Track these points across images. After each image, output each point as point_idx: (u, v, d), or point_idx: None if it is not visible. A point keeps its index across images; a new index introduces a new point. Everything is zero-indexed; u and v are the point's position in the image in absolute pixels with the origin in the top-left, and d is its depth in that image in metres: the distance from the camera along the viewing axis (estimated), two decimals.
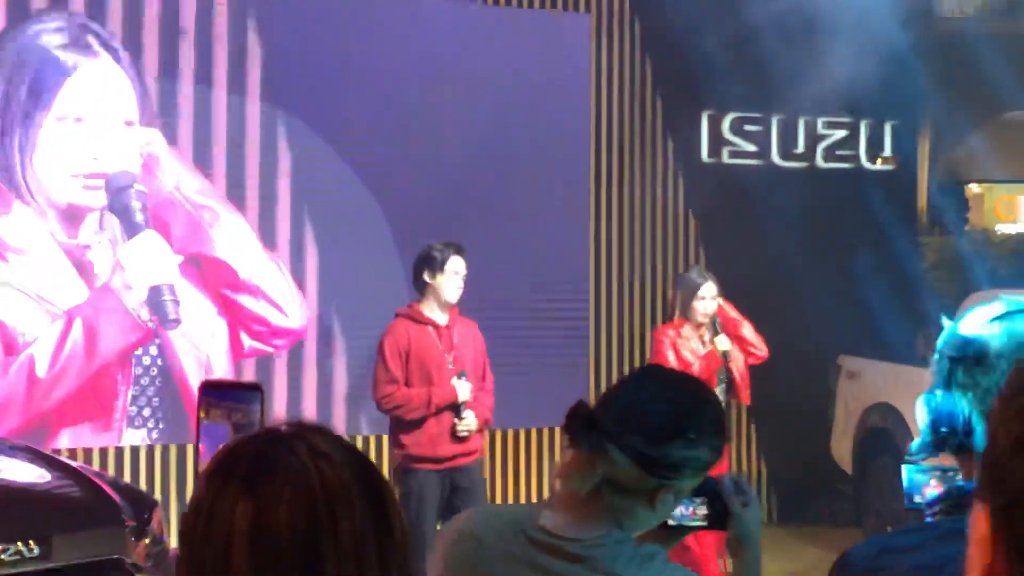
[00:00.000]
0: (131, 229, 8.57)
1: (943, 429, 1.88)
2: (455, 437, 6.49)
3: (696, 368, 6.99)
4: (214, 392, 1.90)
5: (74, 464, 6.05)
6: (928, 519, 2.02)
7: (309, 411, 8.95)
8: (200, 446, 1.90)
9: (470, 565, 2.33)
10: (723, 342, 7.09)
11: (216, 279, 8.89)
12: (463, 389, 6.48)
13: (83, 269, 8.62)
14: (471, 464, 6.58)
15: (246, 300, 8.95)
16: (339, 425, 9.12)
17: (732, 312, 7.32)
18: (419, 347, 6.52)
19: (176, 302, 8.59)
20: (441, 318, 6.60)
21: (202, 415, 1.87)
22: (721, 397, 7.13)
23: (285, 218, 9.12)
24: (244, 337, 8.98)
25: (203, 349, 8.85)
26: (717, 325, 7.16)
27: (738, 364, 7.20)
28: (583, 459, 2.24)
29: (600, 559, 2.22)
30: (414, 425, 6.49)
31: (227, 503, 1.44)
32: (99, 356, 8.58)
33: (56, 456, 6.19)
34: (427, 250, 6.62)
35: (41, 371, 8.44)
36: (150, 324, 8.66)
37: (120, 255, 8.61)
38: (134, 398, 8.70)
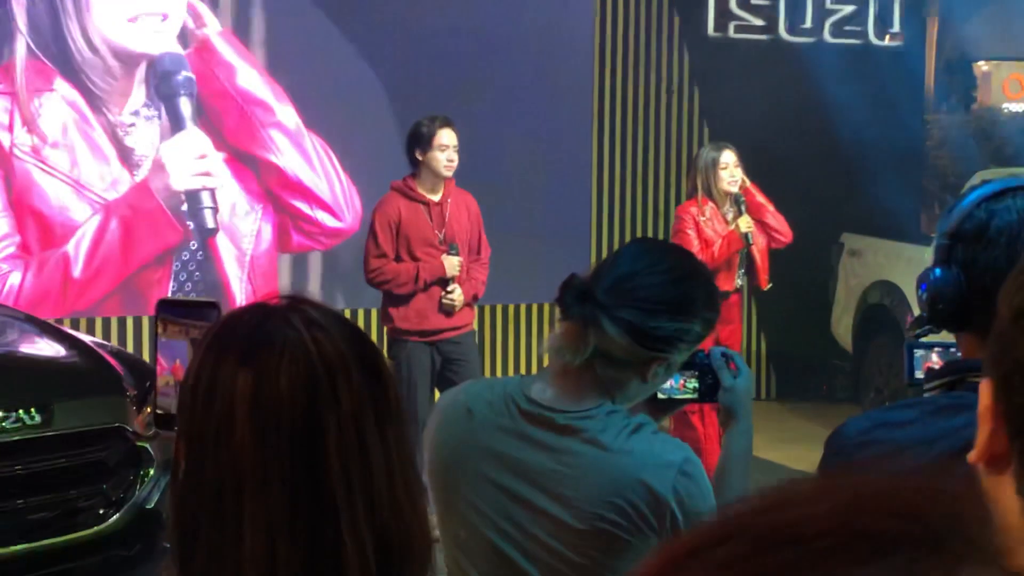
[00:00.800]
0: (176, 122, 8.46)
1: (940, 306, 1.87)
2: (443, 310, 6.50)
3: (717, 248, 6.90)
4: (171, 309, 1.90)
5: (76, 334, 6.07)
6: (926, 395, 2.02)
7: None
8: (159, 361, 1.90)
9: (461, 436, 2.34)
10: (745, 223, 6.95)
11: (268, 179, 8.83)
12: (451, 264, 6.46)
13: (125, 154, 8.49)
14: (461, 337, 6.60)
15: (299, 203, 8.90)
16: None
17: (759, 196, 7.21)
18: (409, 222, 6.51)
19: (215, 210, 8.53)
20: (434, 194, 6.57)
21: (160, 331, 1.87)
22: (741, 280, 7.06)
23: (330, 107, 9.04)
24: (293, 234, 8.97)
25: (244, 248, 8.81)
26: (742, 205, 7.01)
27: (759, 247, 7.10)
28: (575, 331, 2.24)
29: (589, 430, 2.23)
30: (402, 299, 6.51)
31: (227, 374, 1.45)
32: (136, 257, 8.55)
33: (58, 326, 6.20)
34: (415, 126, 6.57)
35: (76, 270, 8.41)
36: (190, 228, 8.61)
37: (162, 152, 8.49)
38: (172, 294, 8.68)
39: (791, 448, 7.01)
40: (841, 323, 9.63)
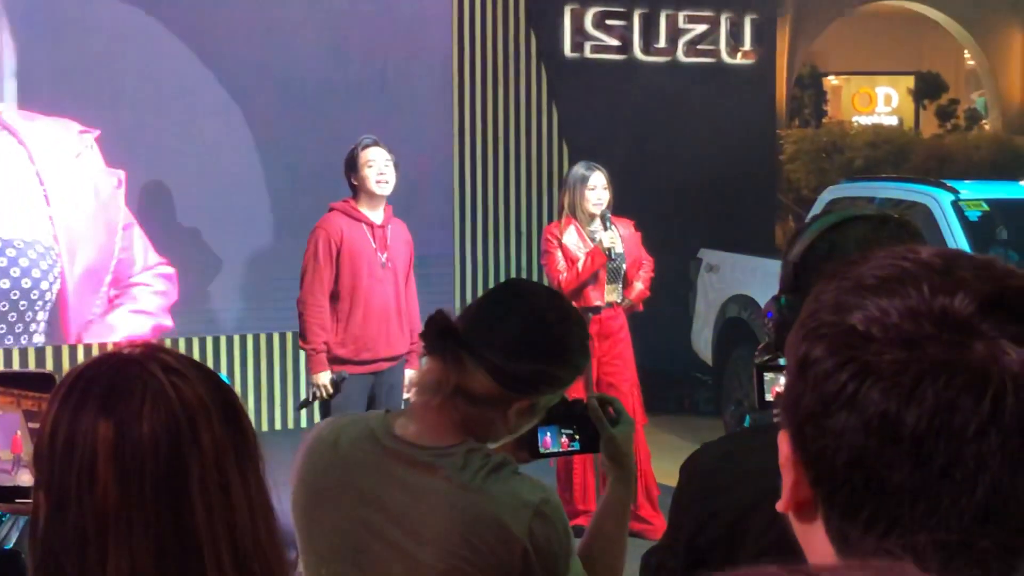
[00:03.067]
0: None
1: (785, 333, 1.92)
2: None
3: (580, 264, 6.90)
4: (3, 381, 1.87)
5: None
6: (776, 419, 2.07)
7: None
8: None
9: (324, 471, 2.32)
10: (608, 238, 6.90)
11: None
12: (324, 377, 6.31)
13: None
14: (398, 365, 6.47)
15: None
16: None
17: (641, 249, 7.20)
18: (351, 243, 6.34)
19: None
20: (376, 216, 6.45)
21: None
22: (616, 296, 7.07)
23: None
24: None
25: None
26: (607, 220, 7.02)
27: (644, 274, 7.12)
28: (438, 368, 2.24)
29: (447, 467, 2.22)
30: (338, 321, 6.35)
31: (87, 423, 1.45)
32: None
33: None
34: (348, 153, 6.49)
35: None
36: None
37: None
38: None
39: (656, 462, 7.08)
40: (701, 337, 9.78)
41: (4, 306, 8.53)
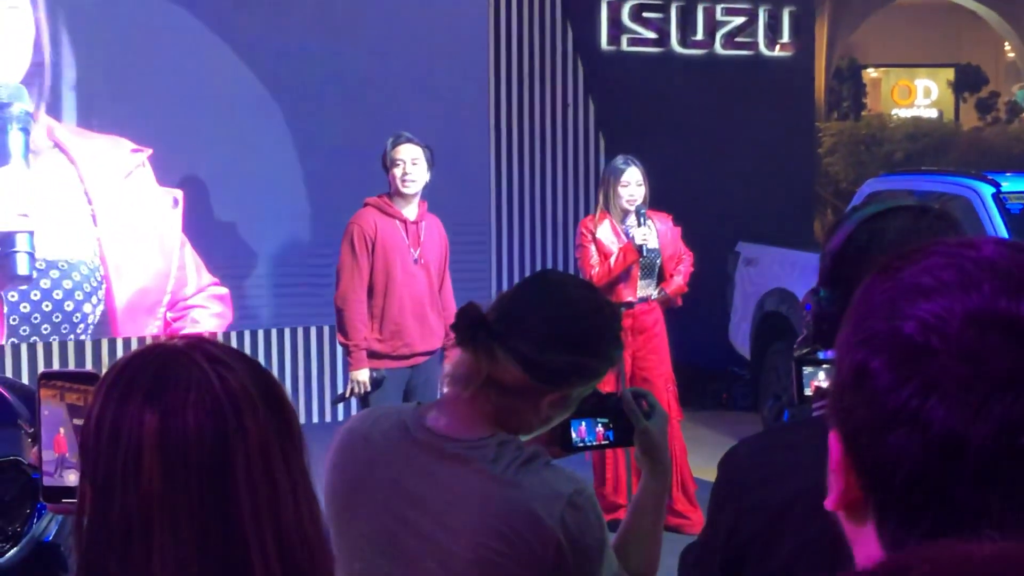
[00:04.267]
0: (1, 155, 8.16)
1: (825, 326, 1.90)
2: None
3: (613, 260, 6.87)
4: (51, 381, 1.87)
5: None
6: (816, 413, 2.04)
7: None
8: (42, 437, 1.87)
9: (357, 465, 2.31)
10: (641, 234, 6.85)
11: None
12: (362, 374, 6.31)
13: None
14: (433, 358, 6.46)
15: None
16: None
17: (680, 244, 7.16)
18: (385, 238, 6.34)
19: (31, 255, 8.18)
20: (410, 212, 6.43)
21: (40, 400, 1.85)
22: (651, 290, 7.03)
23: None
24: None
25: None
26: (642, 216, 6.98)
27: (681, 272, 7.07)
28: (470, 360, 2.22)
29: (479, 460, 2.20)
30: (374, 313, 6.36)
31: (132, 415, 1.45)
32: None
33: None
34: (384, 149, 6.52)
35: None
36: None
37: None
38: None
39: (693, 457, 7.04)
40: (739, 331, 9.73)
41: (47, 328, 8.49)
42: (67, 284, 8.48)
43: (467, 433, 2.23)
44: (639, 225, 6.92)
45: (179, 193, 8.82)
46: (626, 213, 6.98)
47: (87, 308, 8.55)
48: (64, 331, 8.53)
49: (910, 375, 0.92)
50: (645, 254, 6.87)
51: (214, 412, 1.45)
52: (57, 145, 8.49)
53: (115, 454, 1.45)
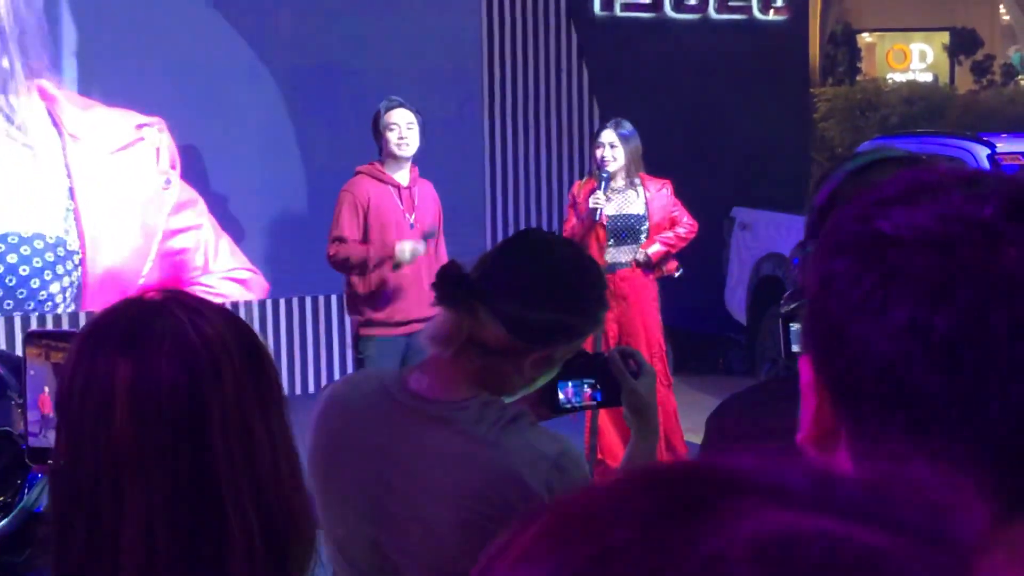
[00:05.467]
0: None
1: None
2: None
3: (572, 225, 6.97)
4: (38, 340, 1.87)
5: None
6: None
7: None
8: (27, 396, 1.87)
9: (337, 429, 2.29)
10: (593, 200, 6.83)
11: None
12: (401, 249, 6.28)
13: None
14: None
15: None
16: None
17: (677, 211, 7.14)
18: (379, 206, 6.36)
19: None
20: (402, 177, 6.45)
21: (26, 360, 1.84)
22: (631, 257, 7.00)
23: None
24: None
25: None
26: (603, 182, 6.88)
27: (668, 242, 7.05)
28: (451, 320, 2.18)
29: (462, 421, 2.17)
30: (372, 284, 6.35)
31: (105, 364, 1.44)
32: None
33: None
34: (375, 114, 6.52)
35: None
36: None
37: None
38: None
39: (688, 422, 7.04)
40: (735, 296, 9.72)
41: (9, 304, 8.42)
42: (37, 262, 8.39)
43: (449, 395, 2.20)
44: (625, 189, 6.93)
45: (175, 173, 8.76)
46: (605, 175, 6.97)
47: (54, 288, 8.46)
48: (28, 308, 8.45)
49: (875, 264, 0.91)
50: (596, 219, 6.85)
51: (188, 361, 1.43)
52: (50, 113, 8.45)
53: (86, 404, 1.44)
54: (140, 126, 8.59)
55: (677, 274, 7.19)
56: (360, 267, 6.31)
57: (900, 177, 0.96)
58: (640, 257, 6.99)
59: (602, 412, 6.76)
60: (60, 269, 8.45)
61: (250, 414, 1.45)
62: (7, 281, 8.35)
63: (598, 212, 6.83)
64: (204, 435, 1.42)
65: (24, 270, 8.38)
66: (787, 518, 0.55)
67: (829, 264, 0.95)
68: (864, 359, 0.91)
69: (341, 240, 6.32)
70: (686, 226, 7.17)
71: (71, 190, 8.45)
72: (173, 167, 8.72)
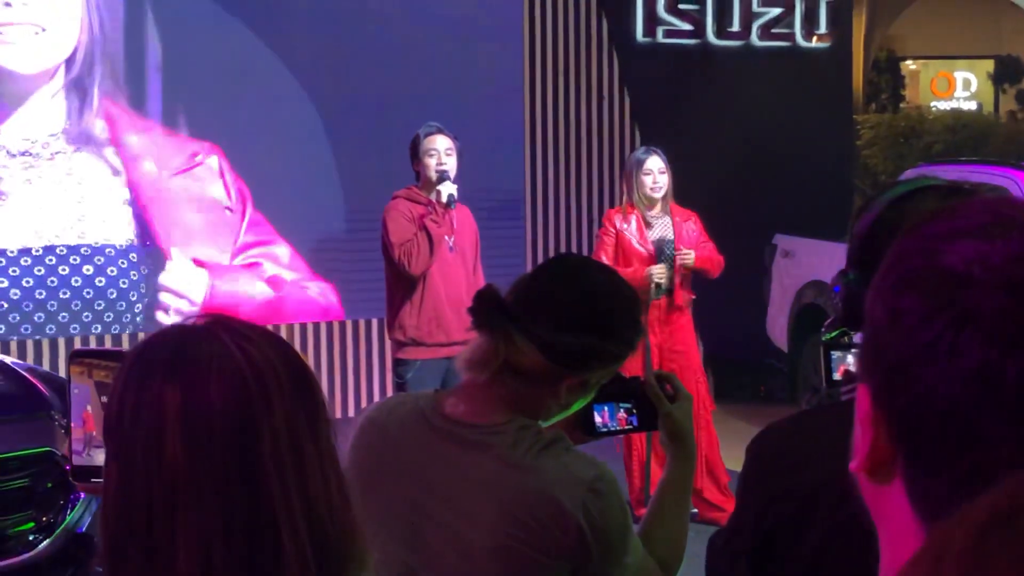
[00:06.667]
0: None
1: (854, 308, 1.87)
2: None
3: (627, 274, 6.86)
4: (80, 356, 1.88)
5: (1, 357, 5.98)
6: (844, 397, 2.02)
7: None
8: (72, 416, 1.89)
9: (373, 454, 2.29)
10: (659, 273, 6.79)
11: None
12: (447, 189, 6.30)
13: None
14: None
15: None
16: None
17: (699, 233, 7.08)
18: (417, 224, 6.36)
19: None
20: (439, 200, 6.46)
21: (69, 379, 1.86)
22: (667, 283, 6.96)
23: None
24: None
25: None
26: (665, 256, 6.84)
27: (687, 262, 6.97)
28: (487, 344, 2.18)
29: (498, 446, 2.17)
30: (416, 304, 6.33)
31: (153, 391, 1.44)
32: None
33: None
34: (413, 138, 6.53)
35: None
36: None
37: None
38: None
39: (729, 450, 7.00)
40: (776, 324, 9.68)
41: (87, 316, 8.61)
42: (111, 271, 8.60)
43: (485, 419, 2.20)
44: (663, 216, 6.91)
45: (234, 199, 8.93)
46: (651, 203, 6.94)
47: (132, 297, 8.67)
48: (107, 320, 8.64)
49: (946, 306, 0.89)
50: (656, 296, 6.82)
51: (238, 385, 1.43)
52: (110, 130, 8.63)
53: (136, 433, 1.44)
54: (195, 153, 8.77)
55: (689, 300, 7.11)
56: (430, 248, 6.26)
57: (971, 206, 0.94)
58: (688, 261, 6.90)
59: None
60: (129, 279, 8.69)
61: (301, 435, 1.45)
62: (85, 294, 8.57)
63: (660, 288, 6.81)
64: (256, 457, 1.42)
65: (100, 281, 8.61)
66: None
67: (895, 300, 0.93)
68: (930, 400, 0.90)
69: (401, 243, 6.31)
70: (719, 261, 7.09)
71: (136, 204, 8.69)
72: (230, 191, 8.90)
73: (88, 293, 8.58)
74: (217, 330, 1.48)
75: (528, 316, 2.16)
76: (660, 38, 10.46)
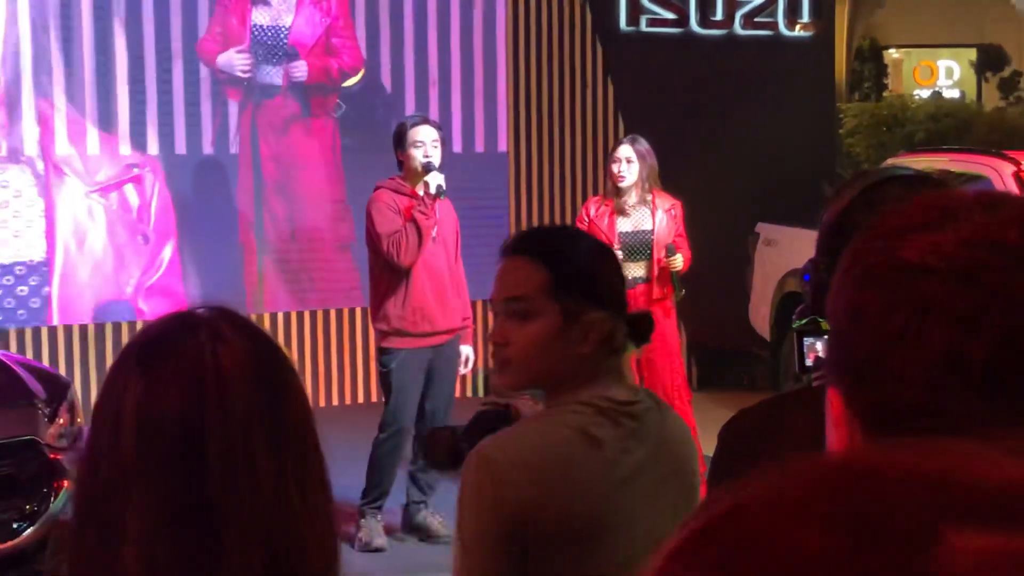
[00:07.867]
0: None
1: (823, 296, 1.89)
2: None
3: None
4: None
5: None
6: (815, 383, 2.04)
7: None
8: None
9: (596, 476, 2.28)
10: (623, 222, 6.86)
11: None
12: (435, 179, 6.31)
13: None
14: (454, 338, 6.49)
15: None
16: None
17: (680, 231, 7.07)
18: (403, 216, 6.37)
19: None
20: (422, 190, 6.46)
21: None
22: (643, 272, 6.96)
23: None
24: None
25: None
26: (635, 196, 6.92)
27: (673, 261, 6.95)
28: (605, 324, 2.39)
29: (652, 408, 2.43)
30: (401, 295, 6.32)
31: (122, 381, 1.48)
32: None
33: None
34: (397, 127, 6.52)
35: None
36: None
37: None
38: None
39: (712, 438, 7.05)
40: (759, 312, 9.70)
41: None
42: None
43: (632, 392, 2.39)
44: (639, 205, 6.89)
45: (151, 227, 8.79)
46: (619, 192, 6.93)
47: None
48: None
49: (906, 296, 0.92)
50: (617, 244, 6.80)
51: (194, 387, 1.45)
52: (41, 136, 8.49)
53: (104, 416, 1.48)
54: (129, 165, 8.67)
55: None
56: (419, 240, 6.26)
57: (919, 202, 0.97)
58: (676, 263, 6.89)
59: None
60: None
61: (256, 446, 1.45)
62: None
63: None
64: (201, 459, 1.43)
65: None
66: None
67: (857, 296, 0.95)
68: (902, 391, 0.92)
69: (389, 235, 6.31)
70: (685, 257, 7.04)
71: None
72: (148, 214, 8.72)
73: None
74: (201, 327, 1.50)
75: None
76: (643, 27, 10.46)
